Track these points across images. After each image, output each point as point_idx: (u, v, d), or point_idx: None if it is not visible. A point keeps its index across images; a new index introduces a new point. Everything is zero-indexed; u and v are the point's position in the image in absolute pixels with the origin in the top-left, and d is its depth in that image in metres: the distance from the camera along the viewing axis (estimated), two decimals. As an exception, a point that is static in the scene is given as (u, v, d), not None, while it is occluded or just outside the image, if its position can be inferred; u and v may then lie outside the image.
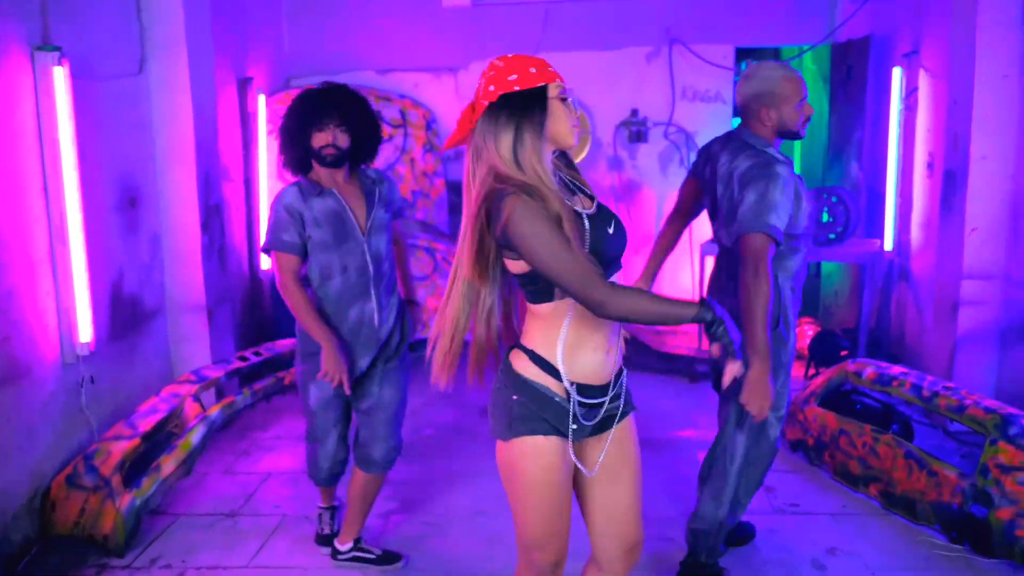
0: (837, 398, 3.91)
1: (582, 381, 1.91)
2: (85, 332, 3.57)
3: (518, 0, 6.11)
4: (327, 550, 3.21)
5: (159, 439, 3.54)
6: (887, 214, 5.20)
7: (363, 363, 2.92)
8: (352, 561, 3.12)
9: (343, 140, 2.81)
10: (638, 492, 2.07)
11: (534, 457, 1.92)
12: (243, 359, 4.08)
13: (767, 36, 6.21)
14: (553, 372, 1.91)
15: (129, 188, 4.13)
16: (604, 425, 2.00)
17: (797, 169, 6.83)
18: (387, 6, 6.22)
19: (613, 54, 6.19)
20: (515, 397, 1.93)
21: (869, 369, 3.73)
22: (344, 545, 3.13)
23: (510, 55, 1.89)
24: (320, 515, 3.29)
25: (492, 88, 1.82)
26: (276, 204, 2.87)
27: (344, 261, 2.86)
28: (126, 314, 4.05)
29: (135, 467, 3.39)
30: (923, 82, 4.83)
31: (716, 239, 2.88)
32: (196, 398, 3.63)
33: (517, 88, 1.81)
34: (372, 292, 2.90)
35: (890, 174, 5.17)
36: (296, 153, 2.86)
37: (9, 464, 3.14)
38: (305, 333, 2.94)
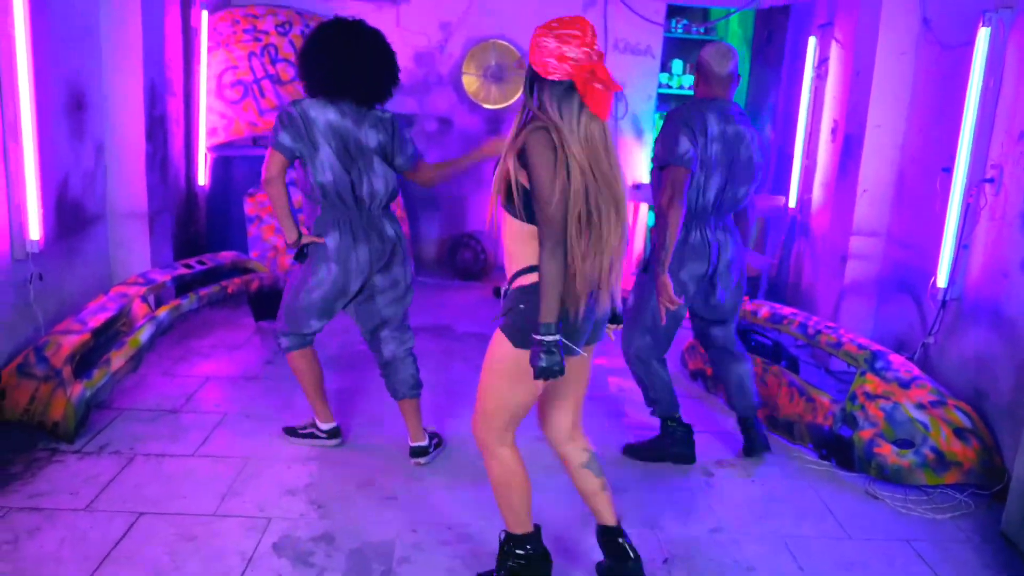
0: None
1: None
2: (35, 230, 3.68)
3: (464, -62, 6.25)
4: (422, 460, 3.40)
5: (107, 337, 3.71)
6: (793, 174, 5.66)
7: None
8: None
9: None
10: (581, 393, 2.50)
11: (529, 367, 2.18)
12: (188, 267, 4.24)
13: (698, -4, 6.54)
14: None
15: (77, 91, 4.19)
16: (596, 332, 2.37)
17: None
18: (333, -69, 6.26)
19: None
20: (522, 306, 2.21)
21: (764, 309, 4.18)
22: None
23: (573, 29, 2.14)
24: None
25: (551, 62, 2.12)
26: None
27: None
28: (70, 216, 4.15)
29: (84, 361, 3.56)
30: (834, 52, 5.26)
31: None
32: (144, 299, 3.80)
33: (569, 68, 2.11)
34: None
35: (799, 137, 5.62)
36: (323, 88, 3.07)
37: (-38, 350, 3.29)
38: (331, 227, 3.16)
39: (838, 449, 3.52)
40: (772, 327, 4.10)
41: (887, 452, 3.34)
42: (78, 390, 3.40)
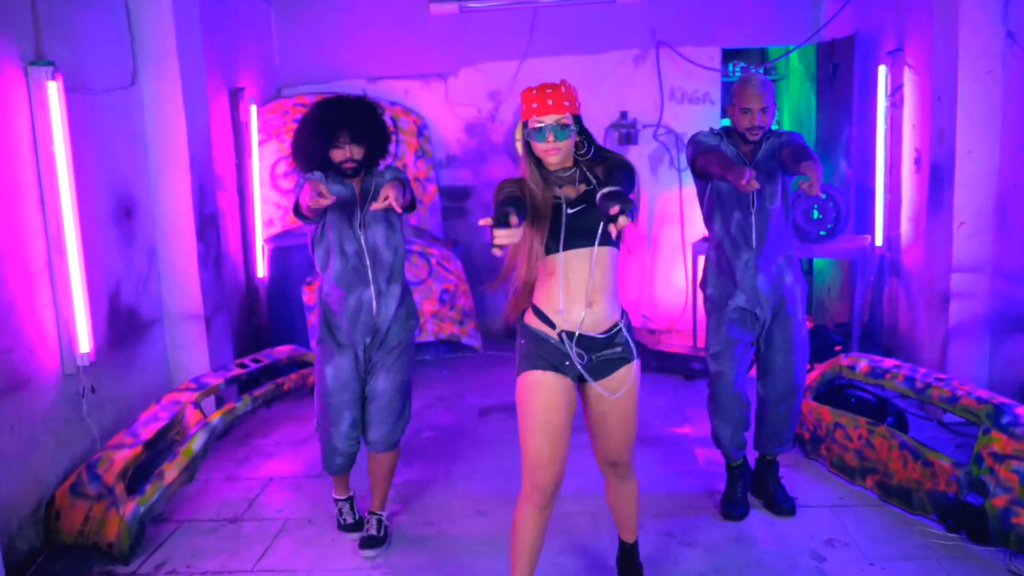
0: (831, 392, 3.96)
1: (570, 328, 2.46)
2: (84, 342, 3.58)
3: (505, 5, 6.16)
4: (354, 536, 3.35)
5: (161, 447, 3.56)
6: (877, 210, 5.26)
7: (362, 345, 3.16)
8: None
9: (358, 153, 3.05)
10: (624, 428, 2.59)
11: (532, 387, 2.48)
12: (242, 366, 4.10)
13: (753, 37, 6.28)
14: (548, 321, 2.48)
15: (125, 199, 4.15)
16: (606, 369, 2.52)
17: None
18: (375, 14, 6.27)
19: (601, 58, 6.25)
20: (522, 341, 2.54)
21: (862, 363, 3.78)
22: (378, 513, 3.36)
23: (536, 86, 2.47)
24: (340, 508, 3.44)
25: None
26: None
27: (343, 247, 3.08)
28: (124, 324, 4.07)
29: (138, 475, 3.41)
30: (908, 79, 4.90)
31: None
32: (197, 405, 3.66)
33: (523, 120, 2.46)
34: (371, 279, 3.10)
35: (878, 170, 5.24)
36: (313, 166, 3.09)
37: (13, 474, 3.16)
38: (321, 320, 3.19)
39: (967, 519, 3.08)
40: (873, 382, 3.69)
41: (1028, 521, 2.88)
42: (131, 507, 3.24)
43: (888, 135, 5.20)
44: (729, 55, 6.52)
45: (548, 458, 2.44)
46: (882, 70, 5.18)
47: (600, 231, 2.36)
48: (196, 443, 3.49)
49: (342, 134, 3.02)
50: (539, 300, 2.51)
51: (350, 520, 3.43)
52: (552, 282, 2.46)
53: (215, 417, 3.62)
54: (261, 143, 5.75)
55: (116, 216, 4.07)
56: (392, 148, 5.99)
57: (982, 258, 4.12)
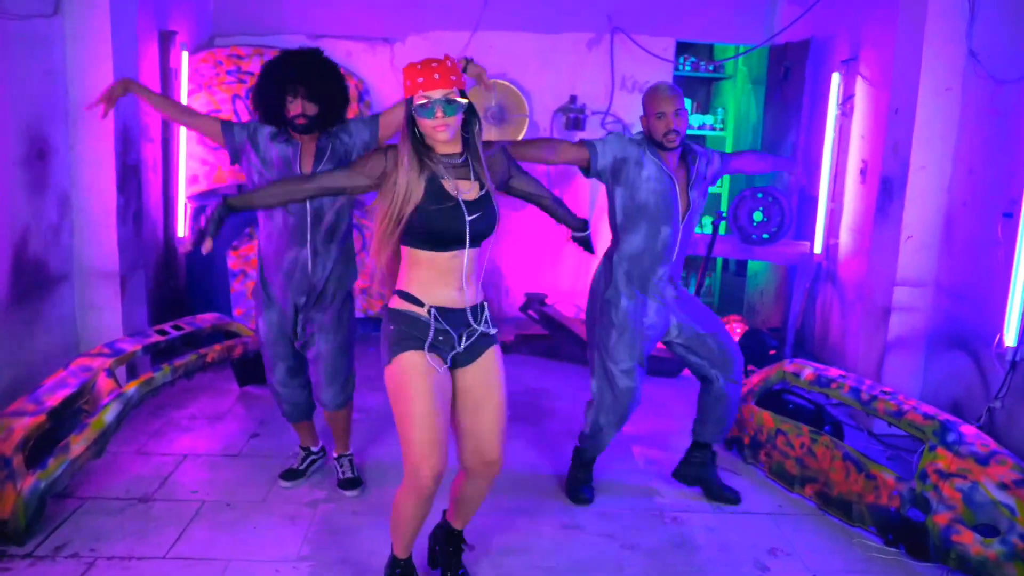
0: (769, 397, 3.93)
1: (438, 305, 2.41)
2: (-15, 296, 3.23)
3: (460, -27, 5.92)
4: (287, 484, 3.45)
5: (67, 416, 3.24)
6: (818, 218, 5.28)
7: (294, 302, 3.17)
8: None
9: (311, 109, 3.01)
10: (494, 417, 2.48)
11: (406, 368, 2.37)
12: (162, 332, 3.78)
13: (708, 32, 6.22)
14: (416, 301, 2.41)
15: (36, 139, 3.77)
16: (471, 355, 2.46)
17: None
18: (323, -32, 5.93)
19: (554, 38, 6.08)
20: (391, 328, 2.42)
21: (807, 370, 3.76)
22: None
23: (420, 61, 2.35)
24: (299, 452, 3.57)
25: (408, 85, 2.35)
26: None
27: (287, 205, 3.02)
28: (28, 278, 3.70)
29: (39, 446, 3.09)
30: (860, 89, 4.92)
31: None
32: (110, 373, 3.34)
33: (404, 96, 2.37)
34: (308, 239, 3.10)
35: (823, 179, 5.26)
36: (270, 118, 3.08)
37: None
38: (259, 272, 3.23)
39: (907, 535, 3.08)
40: (818, 391, 3.67)
41: (969, 541, 2.89)
42: (30, 482, 2.93)
43: (836, 144, 5.22)
44: (682, 48, 6.45)
45: (426, 444, 2.33)
46: (835, 78, 5.19)
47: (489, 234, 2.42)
48: (108, 415, 3.19)
49: (298, 88, 2.99)
50: (411, 286, 2.43)
51: (298, 467, 3.53)
52: (422, 270, 2.41)
53: (131, 387, 3.31)
54: (190, 93, 5.37)
55: (26, 157, 3.69)
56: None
57: (926, 273, 4.15)
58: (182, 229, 5.24)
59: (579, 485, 3.46)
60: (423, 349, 2.39)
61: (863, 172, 4.84)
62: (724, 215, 5.10)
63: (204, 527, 3.12)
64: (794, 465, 3.55)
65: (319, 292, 3.17)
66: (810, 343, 5.40)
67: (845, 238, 5.06)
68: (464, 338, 2.45)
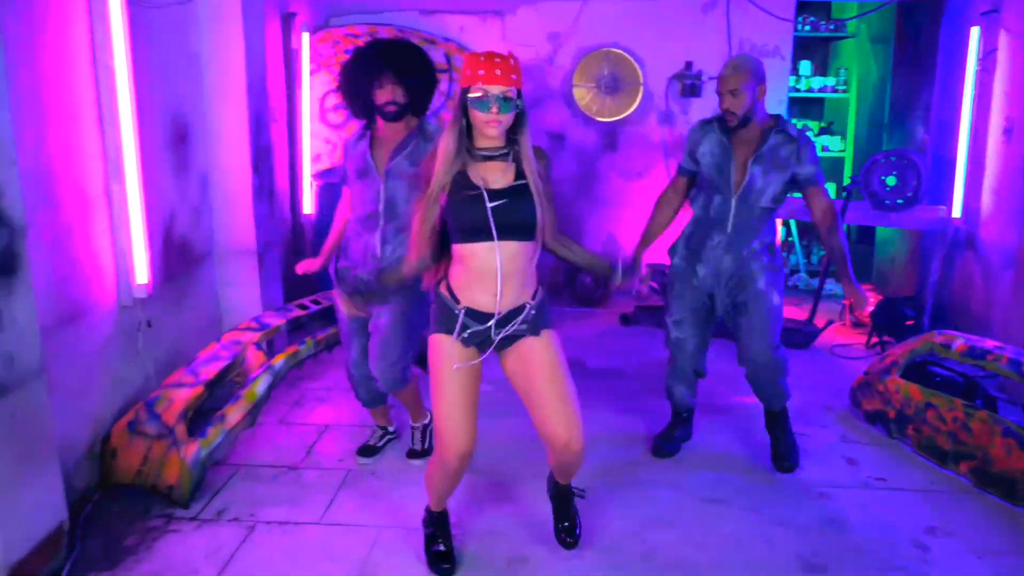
0: (913, 369, 3.78)
1: (471, 306, 2.44)
2: (142, 273, 3.39)
3: (572, -57, 5.83)
4: (366, 460, 3.46)
5: (221, 387, 3.38)
6: (956, 180, 5.01)
7: (364, 279, 3.16)
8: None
9: (401, 96, 3.03)
10: (556, 399, 2.47)
11: (439, 350, 2.48)
12: (303, 307, 3.90)
13: (832, -11, 5.97)
14: (453, 297, 2.47)
15: (179, 123, 3.91)
16: (511, 341, 2.49)
17: (851, 132, 6.63)
18: (435, -57, 5.94)
19: (668, 2, 5.93)
20: (434, 306, 2.53)
21: (959, 341, 3.59)
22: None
23: (483, 53, 2.34)
24: (375, 430, 3.58)
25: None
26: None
27: (362, 194, 3.15)
28: (177, 256, 3.87)
29: (197, 415, 3.24)
30: (1003, 43, 4.62)
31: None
32: (259, 346, 3.47)
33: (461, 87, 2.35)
34: (380, 226, 3.14)
35: (961, 139, 4.98)
36: (359, 107, 3.12)
37: (70, 409, 2.99)
38: (339, 250, 3.29)
39: (1078, 514, 2.92)
40: (972, 363, 3.50)
41: None
42: (193, 450, 3.07)
43: (975, 102, 4.93)
44: (803, 7, 6.20)
45: (452, 423, 2.45)
46: (974, 32, 4.89)
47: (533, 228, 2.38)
48: (259, 386, 3.32)
49: (386, 74, 3.00)
50: (452, 281, 2.48)
51: (372, 443, 3.53)
52: (463, 268, 2.43)
53: (279, 360, 3.44)
54: (311, 73, 5.48)
55: (171, 141, 3.83)
56: (446, 87, 5.79)
57: (1086, 237, 3.89)
58: (307, 206, 5.38)
59: (662, 440, 3.57)
60: (454, 337, 2.45)
61: (1008, 131, 4.56)
62: (855, 181, 4.90)
63: (353, 495, 3.22)
64: (946, 440, 3.40)
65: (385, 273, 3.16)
66: (948, 312, 5.15)
67: (987, 201, 4.79)
68: (495, 332, 2.46)
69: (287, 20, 5.19)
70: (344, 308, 3.08)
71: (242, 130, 4.22)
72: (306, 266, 3.43)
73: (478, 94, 2.27)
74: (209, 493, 3.18)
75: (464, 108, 2.32)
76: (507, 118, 2.30)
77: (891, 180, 5.01)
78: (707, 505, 3.15)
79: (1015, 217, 4.38)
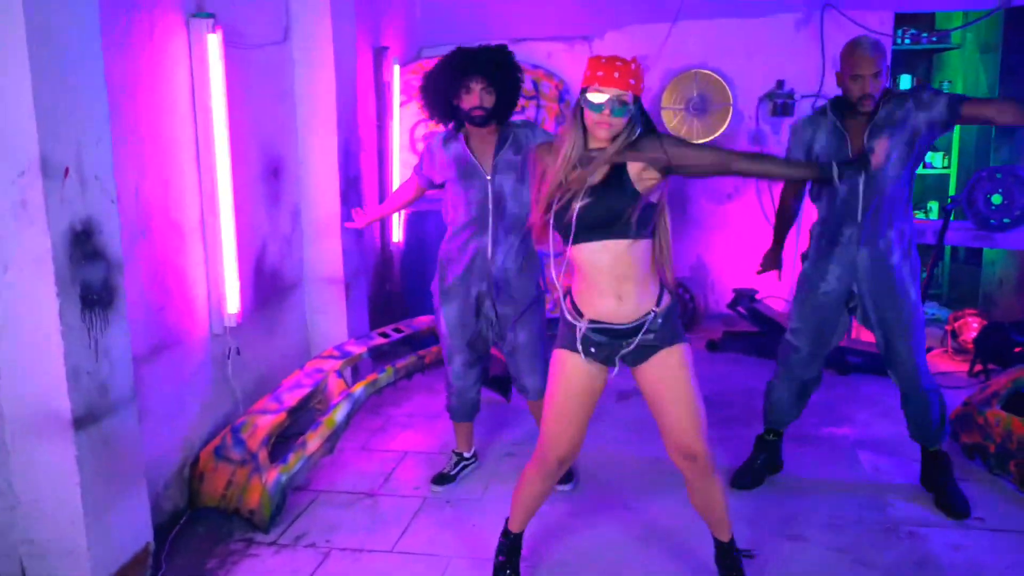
0: (1013, 399, 3.55)
1: (593, 318, 2.41)
2: (233, 303, 3.55)
3: (657, -35, 5.80)
4: (439, 488, 3.47)
5: (303, 415, 3.50)
6: (1072, 198, 4.70)
7: (475, 290, 3.23)
8: None
9: (488, 100, 3.02)
10: (683, 411, 2.43)
11: (558, 364, 2.51)
12: (384, 335, 4.00)
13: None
14: (576, 311, 2.45)
15: (272, 158, 4.09)
16: (642, 354, 2.44)
17: (955, 148, 6.30)
18: (521, -27, 6.01)
19: (758, 21, 5.82)
20: (560, 322, 2.53)
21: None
22: None
23: (606, 55, 2.35)
24: (452, 458, 3.59)
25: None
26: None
27: (468, 196, 3.14)
28: (268, 286, 4.03)
29: (280, 440, 3.35)
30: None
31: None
32: (340, 374, 3.58)
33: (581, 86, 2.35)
34: (490, 227, 3.14)
35: (1078, 154, 4.67)
36: (443, 110, 3.15)
37: (161, 432, 3.15)
38: (438, 269, 3.32)
39: None
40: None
41: None
42: (274, 476, 3.18)
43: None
44: (901, 20, 5.97)
45: (559, 428, 2.51)
46: (1089, 40, 4.59)
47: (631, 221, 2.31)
48: (339, 414, 3.41)
49: (473, 78, 3.00)
50: (574, 292, 2.50)
51: (448, 471, 3.54)
52: (578, 275, 2.45)
53: (358, 388, 3.53)
54: (401, 105, 5.63)
55: (264, 175, 4.01)
56: (533, 114, 5.85)
57: None
58: (396, 234, 5.51)
59: (745, 471, 3.46)
60: (578, 352, 2.46)
61: None
62: (956, 199, 4.66)
63: (427, 523, 3.26)
64: (1052, 479, 3.18)
65: (503, 283, 3.22)
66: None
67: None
68: (625, 346, 2.43)
69: (379, 54, 5.36)
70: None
71: (331, 162, 4.37)
72: (357, 221, 3.62)
73: (594, 95, 2.28)
74: (289, 518, 3.29)
75: (581, 109, 2.33)
76: (619, 122, 2.28)
77: (996, 198, 4.75)
78: (788, 542, 3.04)
79: None
